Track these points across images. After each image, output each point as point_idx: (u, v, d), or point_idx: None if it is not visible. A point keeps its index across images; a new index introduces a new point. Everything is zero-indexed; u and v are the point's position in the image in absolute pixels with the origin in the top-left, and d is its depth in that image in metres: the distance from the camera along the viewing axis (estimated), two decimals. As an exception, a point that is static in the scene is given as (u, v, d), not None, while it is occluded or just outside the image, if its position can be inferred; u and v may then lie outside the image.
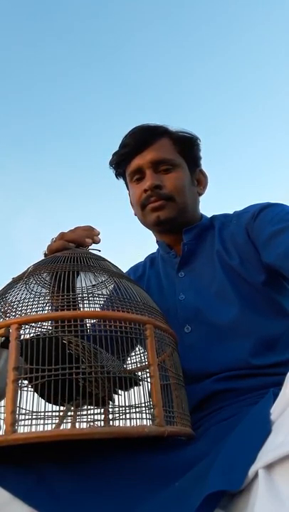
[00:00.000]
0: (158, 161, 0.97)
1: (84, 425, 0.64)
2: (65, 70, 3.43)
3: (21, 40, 3.25)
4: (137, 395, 0.64)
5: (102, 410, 0.66)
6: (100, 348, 0.64)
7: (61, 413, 0.60)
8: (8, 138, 3.35)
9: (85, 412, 0.65)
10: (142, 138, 0.99)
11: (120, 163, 1.04)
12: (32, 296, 0.68)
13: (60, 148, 3.54)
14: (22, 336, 0.56)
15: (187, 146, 1.02)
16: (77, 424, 0.63)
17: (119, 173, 1.07)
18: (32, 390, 0.60)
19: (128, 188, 1.08)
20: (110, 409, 0.65)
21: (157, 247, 1.11)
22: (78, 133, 3.50)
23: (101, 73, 3.43)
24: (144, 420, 0.60)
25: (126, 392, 0.64)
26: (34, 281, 0.73)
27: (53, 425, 0.62)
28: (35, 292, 0.72)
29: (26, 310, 0.62)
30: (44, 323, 0.66)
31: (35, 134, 3.45)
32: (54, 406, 0.59)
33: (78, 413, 0.64)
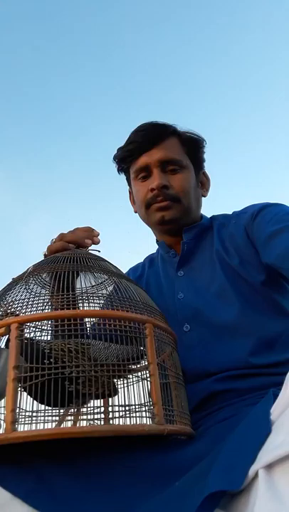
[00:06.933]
0: (166, 161, 0.96)
1: (84, 424, 0.64)
2: (77, 72, 3.44)
3: (27, 41, 3.26)
4: (136, 394, 0.63)
5: (102, 409, 0.66)
6: (93, 340, 0.63)
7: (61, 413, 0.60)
8: (20, 139, 3.36)
9: (84, 411, 0.65)
10: (151, 136, 0.97)
11: (126, 158, 1.02)
12: (32, 295, 0.68)
13: (72, 150, 3.55)
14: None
15: (194, 148, 1.02)
16: (77, 423, 0.63)
17: (122, 168, 1.06)
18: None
19: (130, 185, 1.07)
20: (110, 408, 0.65)
21: (157, 247, 1.11)
22: (90, 134, 3.50)
23: (113, 75, 3.44)
24: (144, 419, 0.60)
25: (125, 385, 0.64)
26: (34, 282, 0.73)
27: (54, 424, 0.62)
28: (35, 292, 0.72)
29: (27, 309, 0.62)
30: (44, 323, 0.66)
31: (47, 135, 3.46)
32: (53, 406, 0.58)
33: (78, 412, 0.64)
